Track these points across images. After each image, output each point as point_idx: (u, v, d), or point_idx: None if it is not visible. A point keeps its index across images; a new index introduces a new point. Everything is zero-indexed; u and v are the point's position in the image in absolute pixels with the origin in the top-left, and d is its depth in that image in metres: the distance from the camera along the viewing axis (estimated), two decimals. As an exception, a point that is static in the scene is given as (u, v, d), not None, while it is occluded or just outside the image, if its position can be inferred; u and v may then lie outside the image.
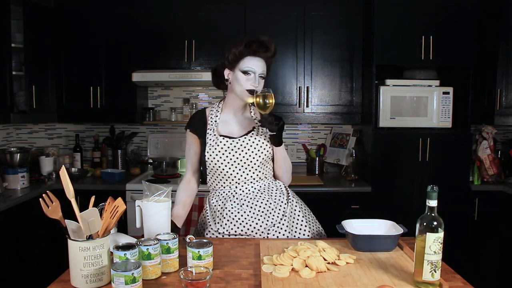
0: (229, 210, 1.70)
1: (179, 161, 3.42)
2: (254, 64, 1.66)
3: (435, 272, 1.17)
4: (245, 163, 1.70)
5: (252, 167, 1.71)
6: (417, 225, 1.19)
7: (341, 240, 1.57)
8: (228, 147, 1.69)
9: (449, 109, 3.06)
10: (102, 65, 3.25)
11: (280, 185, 1.80)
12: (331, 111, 3.28)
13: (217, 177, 1.75)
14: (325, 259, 1.34)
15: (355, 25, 3.21)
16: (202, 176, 1.86)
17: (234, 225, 1.68)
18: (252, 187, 1.73)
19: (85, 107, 3.26)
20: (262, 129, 1.73)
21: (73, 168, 3.39)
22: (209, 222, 1.75)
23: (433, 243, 1.16)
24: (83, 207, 1.23)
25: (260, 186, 1.74)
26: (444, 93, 3.05)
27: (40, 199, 1.24)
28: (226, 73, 1.73)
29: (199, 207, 2.90)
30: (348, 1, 3.20)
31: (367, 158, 3.16)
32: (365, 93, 3.19)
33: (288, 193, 1.81)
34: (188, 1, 3.19)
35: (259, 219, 1.68)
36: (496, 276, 3.04)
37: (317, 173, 3.49)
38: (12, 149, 2.95)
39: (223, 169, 1.70)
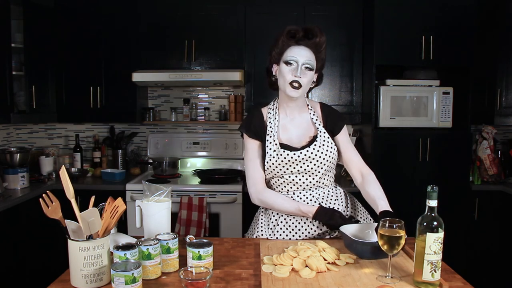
0: (284, 219, 1.67)
1: (179, 161, 3.42)
2: (297, 53, 1.53)
3: (435, 272, 1.17)
4: (306, 173, 1.63)
5: (316, 175, 1.64)
6: (417, 225, 1.19)
7: (341, 240, 1.57)
8: (290, 159, 1.60)
9: (449, 109, 3.06)
10: (102, 65, 3.25)
11: (340, 193, 1.75)
12: (331, 111, 3.27)
13: (276, 181, 1.68)
14: (325, 259, 1.34)
15: (355, 25, 3.21)
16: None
17: (290, 232, 1.65)
18: (310, 194, 1.67)
19: (85, 107, 3.26)
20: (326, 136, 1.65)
21: (73, 168, 3.38)
22: (261, 223, 1.71)
23: (433, 243, 1.16)
24: (83, 207, 1.23)
25: (319, 194, 1.68)
26: (444, 93, 3.05)
27: (40, 199, 1.24)
28: (274, 69, 1.63)
29: (199, 207, 2.90)
30: (348, 1, 3.19)
31: (367, 158, 3.14)
32: (365, 93, 3.19)
33: (348, 202, 1.76)
34: (188, 1, 3.19)
35: (311, 227, 1.65)
36: (496, 276, 3.04)
37: (317, 173, 3.48)
38: (12, 149, 2.95)
39: (282, 176, 1.64)
